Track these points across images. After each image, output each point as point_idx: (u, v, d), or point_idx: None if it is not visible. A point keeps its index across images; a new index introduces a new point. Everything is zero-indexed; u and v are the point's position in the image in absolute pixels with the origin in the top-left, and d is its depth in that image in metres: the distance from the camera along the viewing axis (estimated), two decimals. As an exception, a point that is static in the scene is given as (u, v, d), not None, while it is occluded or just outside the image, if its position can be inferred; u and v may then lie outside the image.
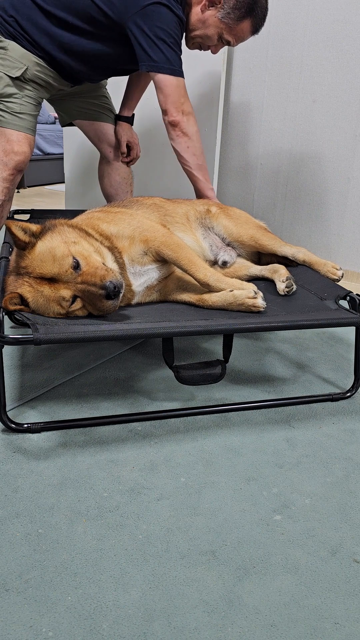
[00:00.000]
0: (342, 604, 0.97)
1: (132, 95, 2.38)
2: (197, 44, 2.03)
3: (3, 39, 1.99)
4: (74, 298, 1.38)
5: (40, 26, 1.96)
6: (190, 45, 2.05)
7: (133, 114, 2.41)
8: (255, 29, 1.96)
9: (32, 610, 0.93)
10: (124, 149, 2.38)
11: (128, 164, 2.46)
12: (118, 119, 2.40)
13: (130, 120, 2.40)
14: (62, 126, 2.55)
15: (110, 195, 2.46)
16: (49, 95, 2.22)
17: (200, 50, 2.07)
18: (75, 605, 0.94)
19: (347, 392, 1.65)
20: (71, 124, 2.47)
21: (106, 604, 0.95)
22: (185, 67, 2.76)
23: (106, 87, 2.42)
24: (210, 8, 1.92)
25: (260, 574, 1.02)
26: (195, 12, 1.94)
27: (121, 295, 1.41)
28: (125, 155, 2.41)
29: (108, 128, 2.39)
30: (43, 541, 1.07)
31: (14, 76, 2.00)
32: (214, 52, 2.06)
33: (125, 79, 2.40)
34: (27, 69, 2.00)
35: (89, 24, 1.94)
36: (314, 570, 1.04)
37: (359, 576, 1.03)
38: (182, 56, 1.95)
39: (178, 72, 1.92)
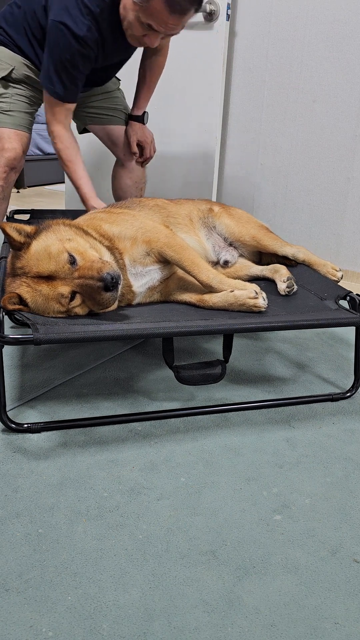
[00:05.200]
0: (342, 604, 0.97)
1: (140, 94, 2.35)
2: (133, 37, 1.88)
3: None
4: (73, 294, 1.38)
5: (26, 35, 2.01)
6: (129, 39, 1.90)
7: (145, 112, 2.36)
8: (172, 7, 1.72)
9: (32, 610, 0.93)
10: (135, 149, 2.34)
11: (142, 163, 2.43)
12: (129, 118, 2.37)
13: (140, 119, 2.35)
14: (79, 133, 2.52)
15: (118, 198, 2.43)
16: None
17: (141, 45, 1.95)
18: (75, 605, 0.94)
19: (347, 392, 1.65)
20: (86, 130, 2.46)
21: (106, 604, 0.95)
22: (185, 65, 2.77)
23: (119, 89, 2.40)
24: None
25: (260, 574, 1.02)
26: (122, 1, 1.82)
27: (120, 286, 1.41)
28: (138, 155, 2.38)
29: (119, 130, 2.37)
30: (43, 541, 1.07)
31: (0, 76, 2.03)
32: (151, 44, 1.89)
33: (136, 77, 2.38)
34: (13, 69, 2.04)
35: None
36: (314, 570, 1.04)
37: (359, 576, 1.03)
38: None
39: (54, 93, 1.94)
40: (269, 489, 1.25)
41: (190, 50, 2.74)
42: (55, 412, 1.50)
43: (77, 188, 2.05)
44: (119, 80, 2.41)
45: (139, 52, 2.21)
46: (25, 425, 1.40)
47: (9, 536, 1.08)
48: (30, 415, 1.48)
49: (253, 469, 1.32)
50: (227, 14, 2.61)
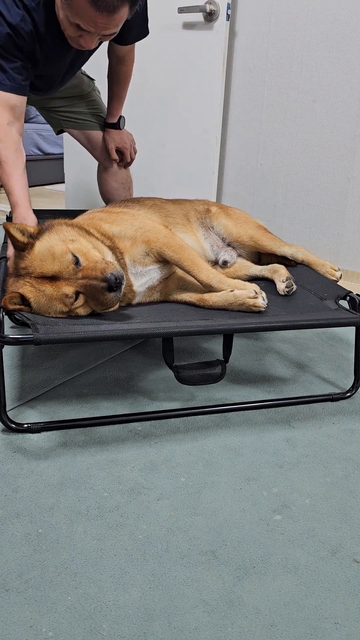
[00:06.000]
0: (342, 604, 0.97)
1: (111, 104, 2.30)
2: (70, 38, 1.75)
3: None
4: (77, 295, 1.38)
5: None
6: (69, 40, 1.77)
7: (121, 117, 2.33)
8: (97, 5, 1.55)
9: (32, 610, 0.93)
10: (114, 156, 2.33)
11: (125, 166, 2.43)
12: (105, 126, 2.34)
13: (116, 125, 2.32)
14: (56, 134, 2.52)
15: (107, 201, 2.41)
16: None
17: (80, 47, 1.77)
18: (75, 605, 0.94)
19: (347, 392, 1.65)
20: (62, 131, 2.44)
21: (106, 604, 0.95)
22: (185, 65, 2.77)
23: (94, 89, 2.36)
24: None
25: (260, 574, 1.02)
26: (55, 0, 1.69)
27: (123, 286, 1.41)
28: (118, 160, 2.37)
29: (98, 135, 2.35)
30: (43, 541, 1.07)
31: None
32: (87, 46, 1.73)
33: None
34: None
35: None
36: (314, 570, 1.04)
37: (359, 576, 1.03)
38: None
39: None
40: (269, 489, 1.25)
41: (190, 50, 2.74)
42: (55, 412, 1.50)
43: (8, 193, 1.80)
44: (93, 80, 2.38)
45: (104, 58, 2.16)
46: (25, 425, 1.40)
47: (9, 536, 1.08)
48: (30, 415, 1.48)
49: (253, 469, 1.32)
50: (227, 14, 2.61)
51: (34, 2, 1.70)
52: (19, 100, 1.80)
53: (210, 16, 2.63)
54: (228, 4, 2.60)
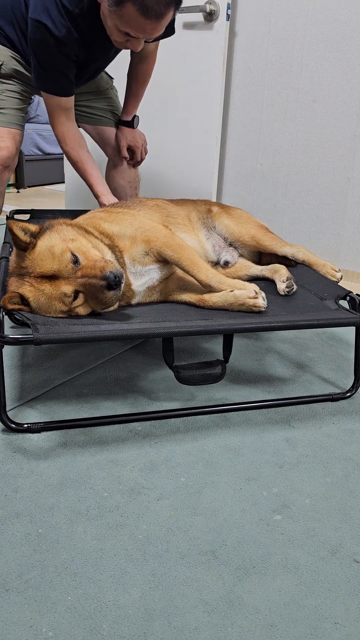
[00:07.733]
0: (342, 604, 0.97)
1: (127, 101, 2.33)
2: (117, 42, 1.84)
3: None
4: (76, 294, 1.38)
5: (13, 26, 1.98)
6: (115, 44, 1.87)
7: (135, 116, 2.36)
8: (146, 14, 1.64)
9: (32, 610, 0.93)
10: (125, 154, 2.34)
11: (134, 165, 2.44)
12: (119, 123, 2.36)
13: (130, 124, 2.34)
14: None
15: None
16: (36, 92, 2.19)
17: (126, 49, 1.89)
18: (75, 605, 0.94)
19: (347, 392, 1.65)
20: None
21: (106, 604, 0.95)
22: (185, 65, 2.77)
23: (112, 87, 2.39)
24: None
25: (260, 574, 1.02)
26: (101, 7, 1.77)
27: (122, 285, 1.41)
28: (129, 158, 2.38)
29: (110, 131, 2.36)
30: (43, 541, 1.07)
31: None
32: (134, 49, 1.84)
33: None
34: (2, 64, 2.00)
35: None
36: (314, 570, 1.04)
37: (359, 576, 1.03)
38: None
39: (49, 89, 1.95)
40: (269, 489, 1.25)
41: (190, 50, 2.74)
42: (55, 412, 1.50)
43: (90, 186, 2.08)
44: (112, 78, 2.40)
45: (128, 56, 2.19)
46: (25, 425, 1.40)
47: (9, 536, 1.08)
48: (30, 415, 1.48)
49: (253, 469, 1.32)
50: (227, 14, 2.61)
51: (78, 8, 1.78)
52: (68, 100, 1.99)
53: (210, 16, 2.63)
54: (228, 4, 2.60)
